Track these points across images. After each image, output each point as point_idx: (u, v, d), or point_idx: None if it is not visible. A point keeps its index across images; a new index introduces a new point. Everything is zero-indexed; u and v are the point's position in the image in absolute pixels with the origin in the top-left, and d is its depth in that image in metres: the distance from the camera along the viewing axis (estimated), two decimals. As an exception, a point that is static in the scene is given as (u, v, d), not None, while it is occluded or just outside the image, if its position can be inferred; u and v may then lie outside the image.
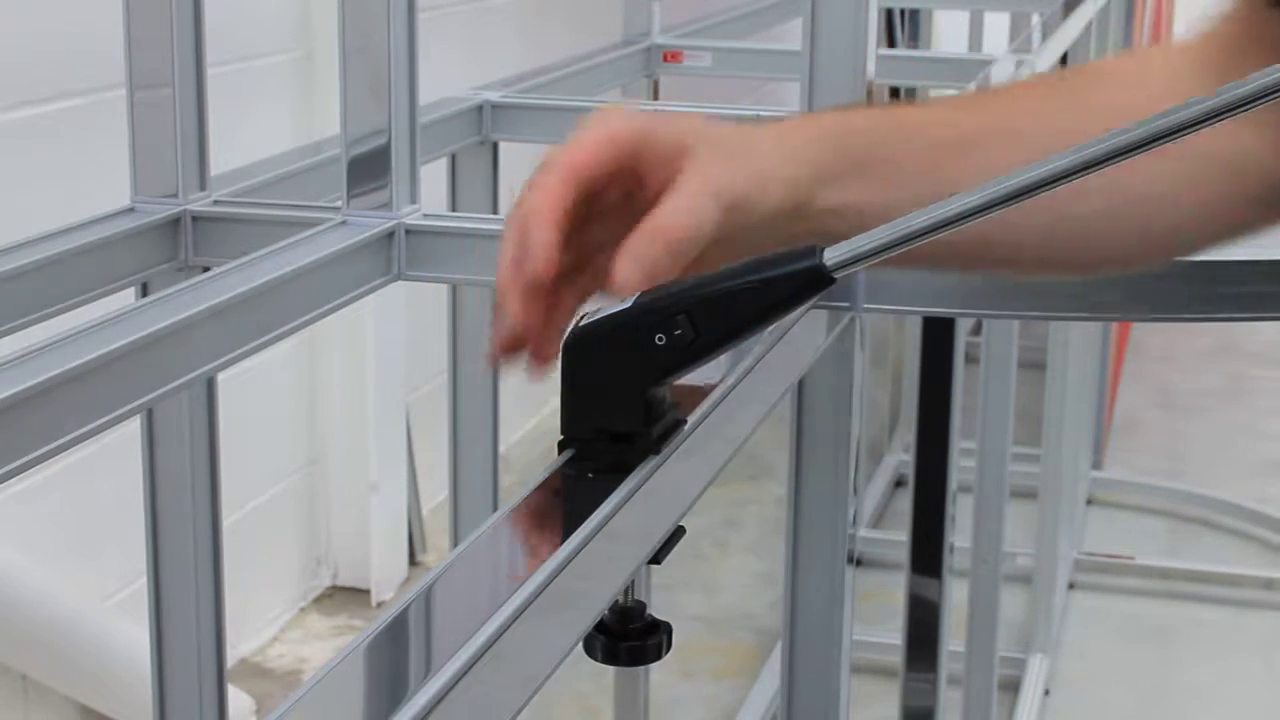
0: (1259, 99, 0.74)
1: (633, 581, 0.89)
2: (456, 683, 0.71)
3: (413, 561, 3.91)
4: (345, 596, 3.76)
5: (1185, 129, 0.76)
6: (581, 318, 0.88)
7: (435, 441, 3.38)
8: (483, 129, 1.92)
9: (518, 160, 2.33)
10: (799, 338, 1.18)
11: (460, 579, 0.82)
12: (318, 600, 3.74)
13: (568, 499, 0.85)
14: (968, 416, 2.78)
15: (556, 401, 0.87)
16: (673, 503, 0.90)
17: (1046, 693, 3.64)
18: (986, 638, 2.83)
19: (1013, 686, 3.60)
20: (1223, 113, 0.75)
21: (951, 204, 0.81)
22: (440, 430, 1.96)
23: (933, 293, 1.30)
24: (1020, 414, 4.44)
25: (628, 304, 0.86)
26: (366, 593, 3.74)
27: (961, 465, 2.83)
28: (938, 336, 2.13)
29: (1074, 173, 0.78)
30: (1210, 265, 1.22)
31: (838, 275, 0.84)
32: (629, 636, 0.91)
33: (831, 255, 0.84)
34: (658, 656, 0.91)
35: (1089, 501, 4.64)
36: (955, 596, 2.73)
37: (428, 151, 1.81)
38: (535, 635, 0.79)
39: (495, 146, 1.94)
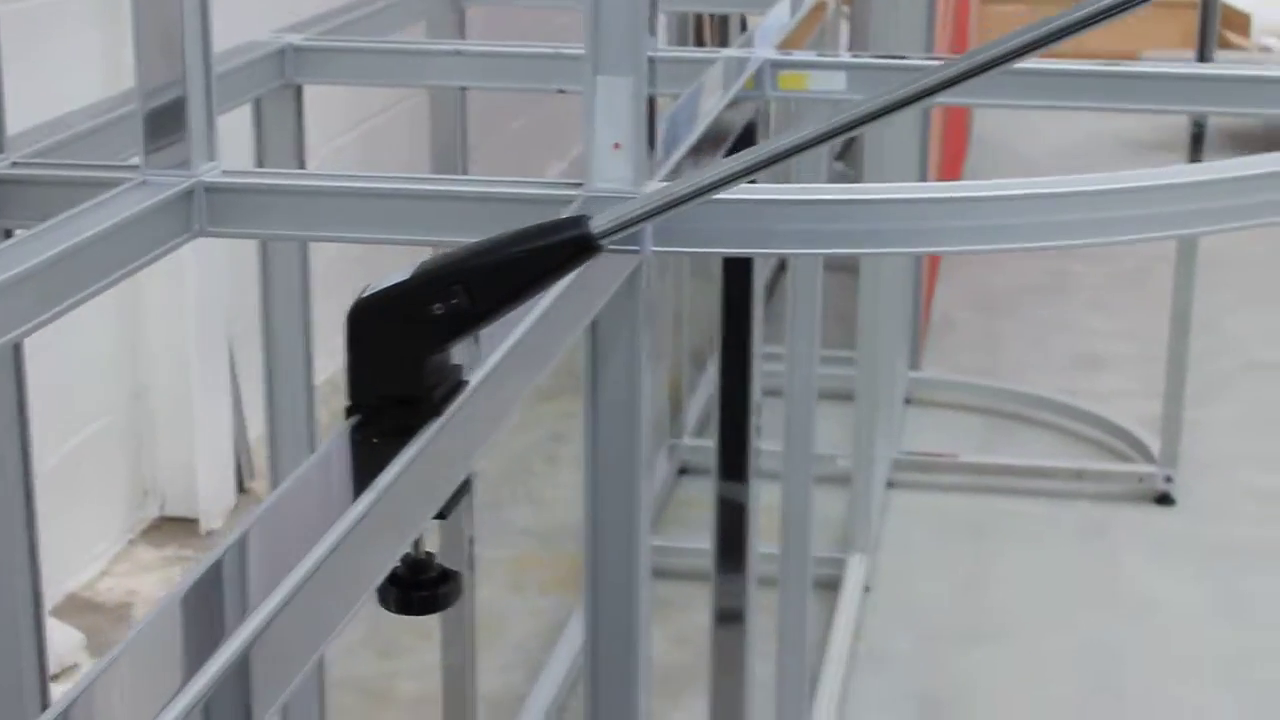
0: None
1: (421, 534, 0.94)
2: (262, 632, 0.77)
3: (241, 489, 3.93)
4: (174, 527, 3.77)
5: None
6: (365, 288, 0.92)
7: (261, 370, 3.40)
8: (285, 73, 1.94)
9: (323, 102, 2.36)
10: (590, 281, 1.23)
11: (257, 543, 0.87)
12: (146, 532, 3.75)
13: (355, 463, 0.90)
14: (781, 321, 2.85)
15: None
16: (458, 459, 0.95)
17: (867, 590, 3.75)
18: (800, 539, 2.87)
19: (834, 585, 3.70)
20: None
21: (723, 165, 0.86)
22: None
23: (718, 232, 1.35)
24: (838, 317, 4.56)
25: (407, 275, 0.90)
26: (195, 522, 3.76)
27: (775, 370, 2.90)
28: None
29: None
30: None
31: (604, 242, 0.89)
32: (421, 587, 0.96)
33: (599, 223, 0.89)
34: (448, 604, 0.96)
35: (907, 401, 4.75)
36: (772, 499, 2.81)
37: (231, 98, 1.83)
38: (329, 591, 0.85)
39: (299, 90, 1.96)
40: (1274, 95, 1.96)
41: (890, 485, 4.28)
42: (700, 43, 5.24)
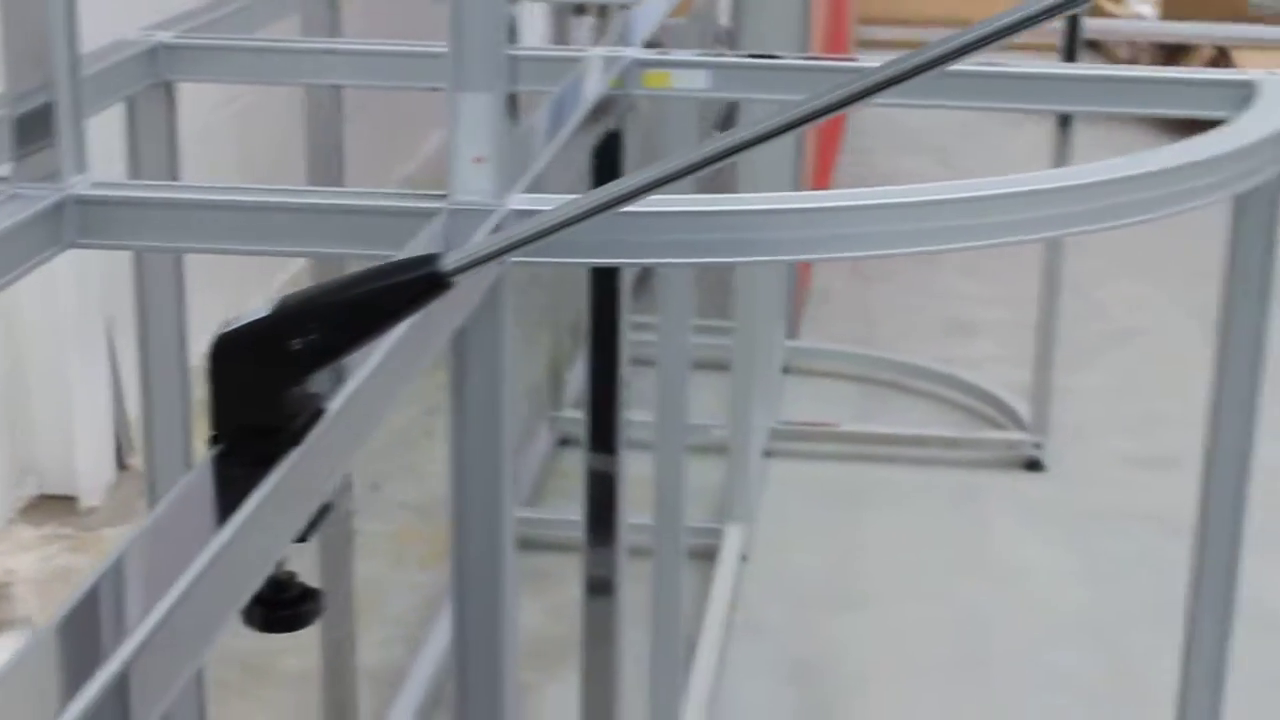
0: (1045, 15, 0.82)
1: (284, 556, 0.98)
2: (139, 654, 0.82)
3: (121, 466, 3.94)
4: (53, 505, 3.77)
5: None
6: (226, 323, 0.96)
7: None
8: (157, 71, 1.96)
9: (196, 99, 2.37)
10: (453, 293, 1.27)
11: (128, 572, 0.91)
12: (25, 510, 3.75)
13: (219, 492, 0.94)
14: (654, 291, 2.89)
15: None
16: (317, 486, 0.99)
17: (744, 559, 3.82)
18: (673, 509, 2.88)
19: (711, 556, 3.77)
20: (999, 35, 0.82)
21: (595, 195, 0.90)
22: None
23: (584, 244, 1.39)
24: (716, 286, 4.61)
25: (267, 311, 0.94)
26: (74, 500, 3.77)
27: (649, 340, 2.94)
28: (604, 183, 2.14)
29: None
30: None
31: (455, 280, 0.93)
32: (283, 606, 1.00)
33: (450, 260, 0.93)
34: (310, 622, 1.01)
35: (785, 370, 4.82)
36: (648, 470, 2.85)
37: (102, 98, 1.85)
38: (197, 616, 0.89)
39: (171, 88, 1.97)
40: (1134, 95, 2.02)
41: (768, 454, 4.34)
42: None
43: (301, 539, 0.98)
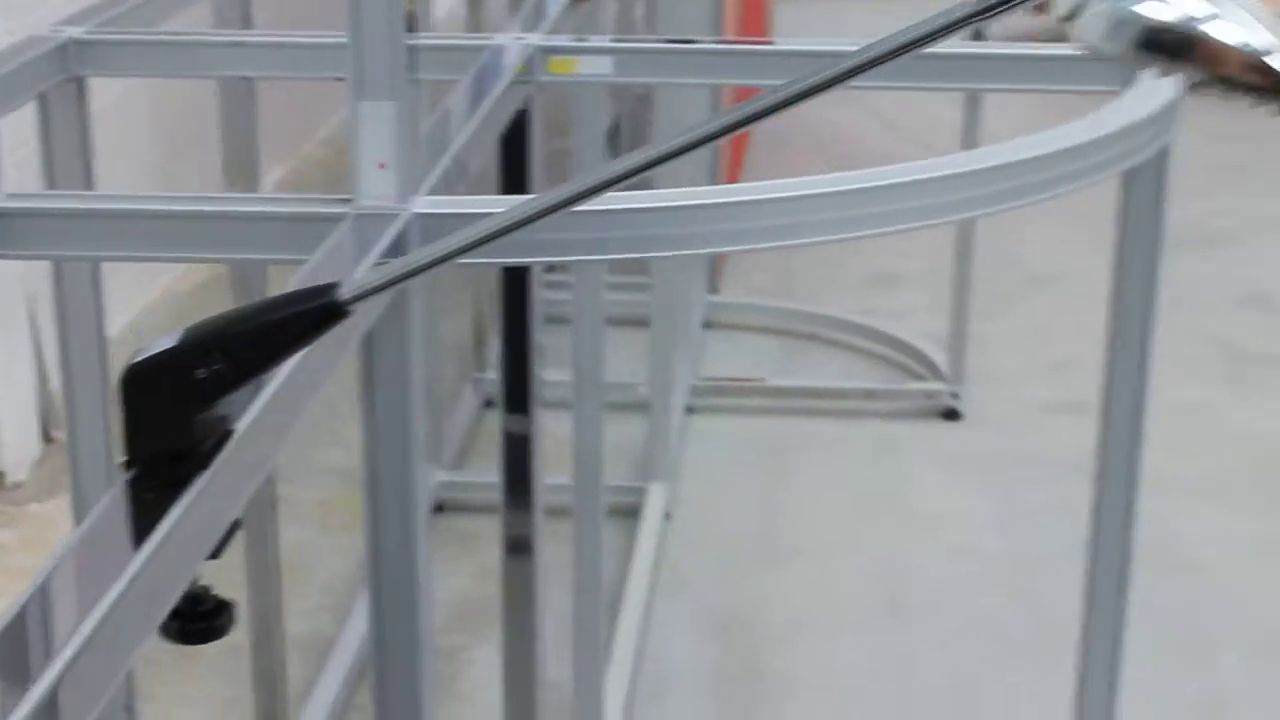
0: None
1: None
2: (63, 676, 0.87)
3: (47, 439, 3.95)
4: (-22, 481, 3.79)
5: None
6: (136, 353, 1.00)
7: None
8: (69, 67, 1.98)
9: (106, 93, 2.39)
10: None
11: (53, 595, 0.95)
12: (-50, 487, 3.77)
13: (134, 516, 0.98)
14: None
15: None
16: (227, 505, 1.04)
17: (667, 516, 3.88)
18: (592, 467, 2.89)
19: (635, 514, 3.82)
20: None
21: (496, 219, 0.94)
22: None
23: (495, 243, 1.43)
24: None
25: (173, 340, 0.98)
26: (0, 474, 3.78)
27: (564, 299, 2.96)
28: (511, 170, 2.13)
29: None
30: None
31: (350, 309, 0.97)
32: (199, 619, 1.05)
33: (347, 290, 0.97)
34: (224, 634, 1.05)
35: (706, 325, 4.87)
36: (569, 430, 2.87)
37: (14, 96, 1.88)
38: (119, 635, 0.94)
39: (83, 84, 2.00)
40: (1028, 73, 2.08)
41: (690, 411, 4.40)
42: None
43: (214, 555, 1.03)
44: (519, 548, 2.33)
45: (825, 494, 4.04)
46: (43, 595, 0.95)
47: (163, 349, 0.98)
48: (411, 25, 1.42)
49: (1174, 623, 3.47)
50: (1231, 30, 0.80)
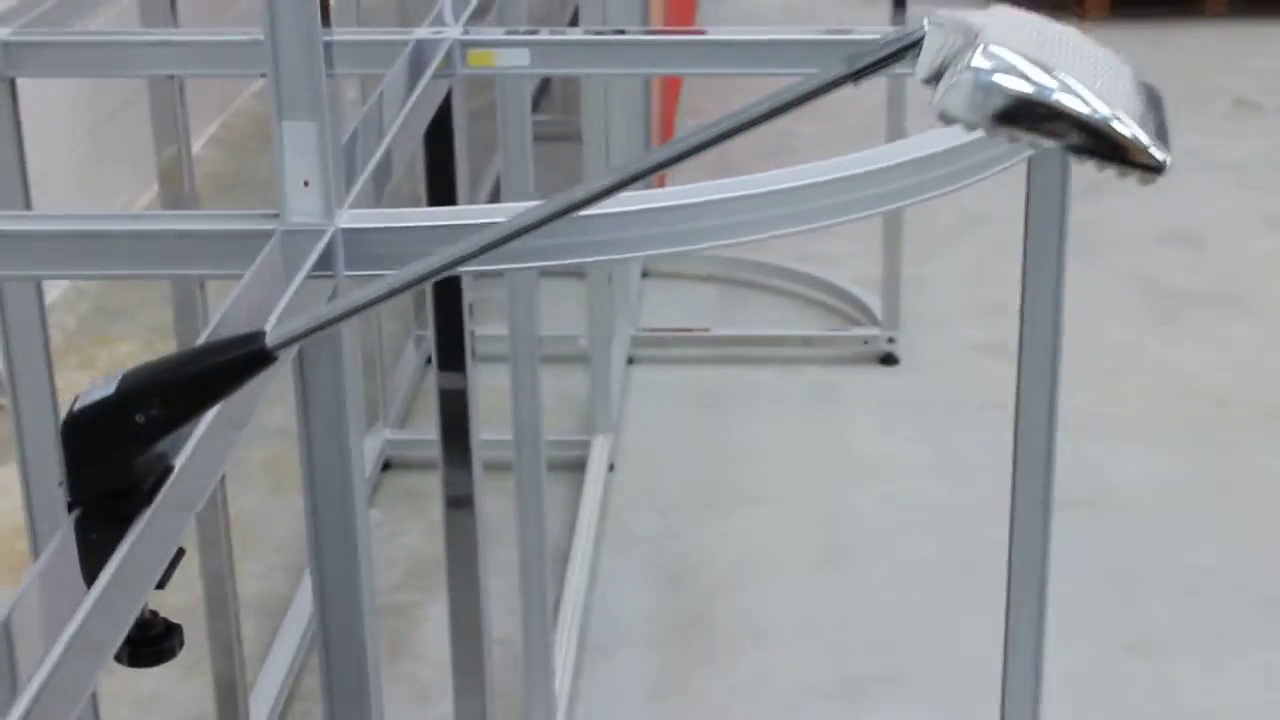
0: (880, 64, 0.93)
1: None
2: (30, 710, 0.94)
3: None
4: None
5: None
6: (75, 400, 1.06)
7: None
8: (-3, 68, 2.01)
9: (38, 93, 2.41)
10: (291, 312, 1.36)
11: (14, 633, 1.02)
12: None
13: (83, 554, 1.04)
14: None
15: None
16: (171, 535, 1.10)
17: (611, 469, 3.94)
18: (531, 420, 2.90)
19: (580, 467, 3.88)
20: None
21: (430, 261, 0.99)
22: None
23: (418, 255, 1.48)
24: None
25: (111, 389, 1.04)
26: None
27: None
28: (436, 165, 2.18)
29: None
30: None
31: (279, 354, 1.03)
32: (148, 643, 1.11)
33: (276, 335, 1.03)
34: (173, 656, 1.12)
35: (644, 275, 4.92)
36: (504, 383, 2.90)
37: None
38: (78, 666, 1.01)
39: (13, 84, 2.03)
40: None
41: (631, 362, 4.46)
42: None
43: (160, 585, 1.09)
44: (460, 504, 2.35)
45: (766, 442, 4.11)
46: (5, 632, 1.01)
47: (101, 397, 1.04)
48: (326, 19, 1.45)
49: (1104, 562, 3.56)
50: (1079, 101, 0.85)
